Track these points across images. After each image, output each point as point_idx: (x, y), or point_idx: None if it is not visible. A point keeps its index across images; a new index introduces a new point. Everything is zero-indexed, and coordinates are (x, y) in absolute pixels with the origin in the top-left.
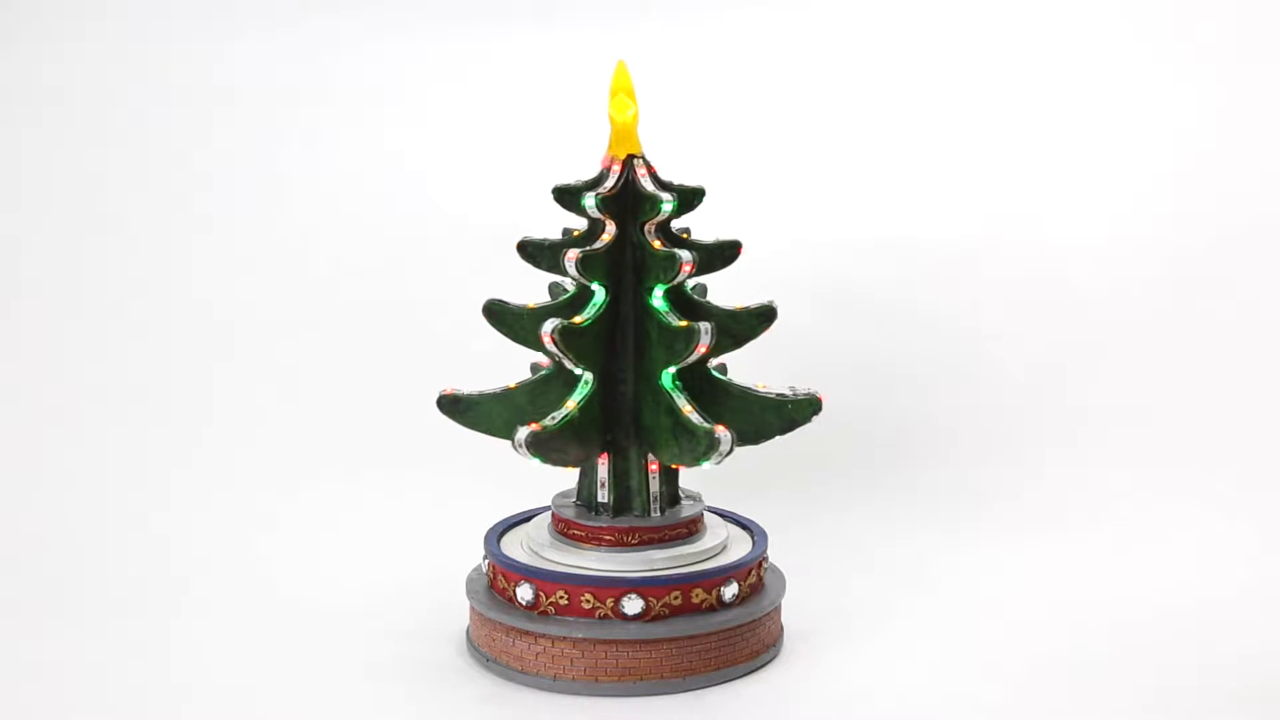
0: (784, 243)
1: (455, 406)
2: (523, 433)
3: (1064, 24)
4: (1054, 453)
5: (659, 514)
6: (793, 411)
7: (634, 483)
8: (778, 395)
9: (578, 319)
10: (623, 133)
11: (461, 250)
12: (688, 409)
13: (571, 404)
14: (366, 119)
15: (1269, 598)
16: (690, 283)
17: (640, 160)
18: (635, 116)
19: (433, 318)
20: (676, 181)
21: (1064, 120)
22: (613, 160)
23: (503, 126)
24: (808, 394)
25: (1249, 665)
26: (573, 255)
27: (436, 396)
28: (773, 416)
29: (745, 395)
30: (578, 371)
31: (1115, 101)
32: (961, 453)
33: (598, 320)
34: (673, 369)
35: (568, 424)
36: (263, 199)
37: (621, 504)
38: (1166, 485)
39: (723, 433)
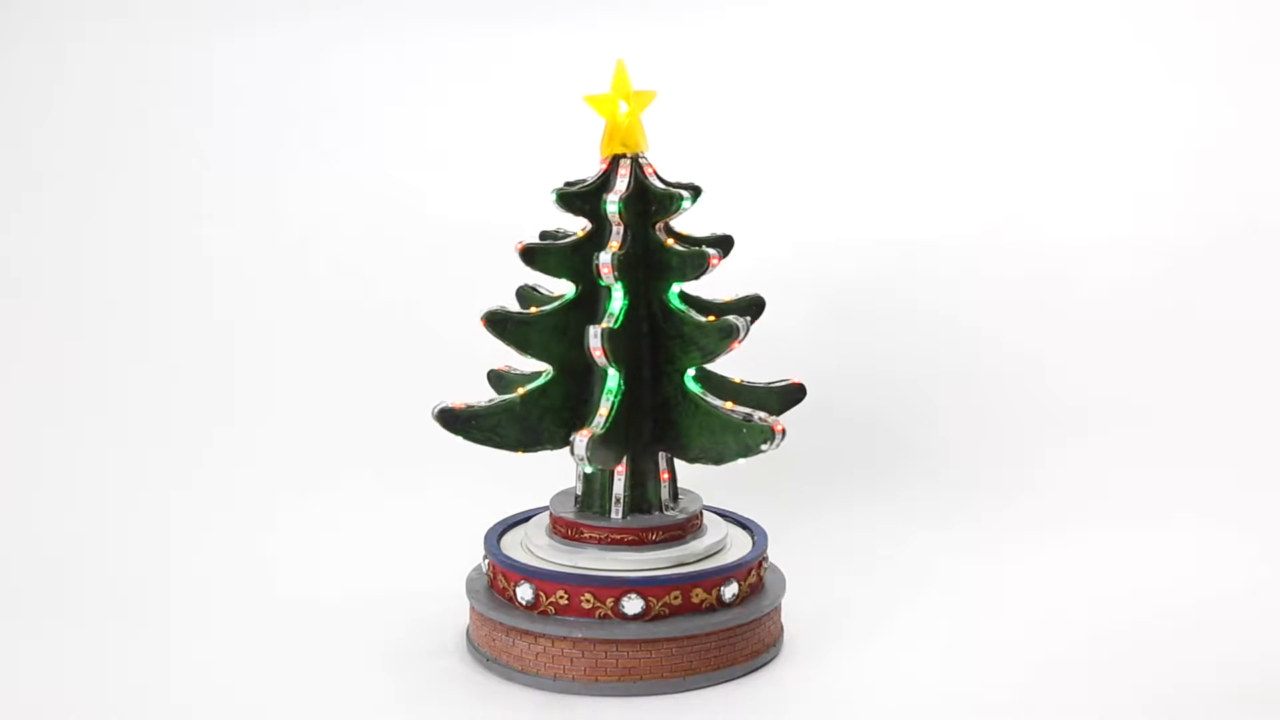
0: (784, 243)
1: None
2: (581, 441)
3: (1064, 24)
4: (1054, 453)
5: (673, 512)
6: (748, 437)
7: (644, 485)
8: (742, 418)
9: (604, 324)
10: (614, 132)
11: (462, 251)
12: (728, 405)
13: (605, 410)
14: (366, 119)
15: (1269, 598)
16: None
17: (626, 159)
18: (629, 115)
19: (432, 318)
20: (668, 182)
21: (1065, 120)
22: (610, 160)
23: (504, 126)
24: (763, 421)
25: (1249, 665)
26: (607, 264)
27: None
28: (731, 439)
29: (711, 414)
30: (611, 372)
31: (1116, 102)
32: (962, 453)
33: (626, 322)
34: (692, 370)
35: (610, 429)
36: (262, 200)
37: (638, 504)
38: (1167, 485)
39: (780, 431)
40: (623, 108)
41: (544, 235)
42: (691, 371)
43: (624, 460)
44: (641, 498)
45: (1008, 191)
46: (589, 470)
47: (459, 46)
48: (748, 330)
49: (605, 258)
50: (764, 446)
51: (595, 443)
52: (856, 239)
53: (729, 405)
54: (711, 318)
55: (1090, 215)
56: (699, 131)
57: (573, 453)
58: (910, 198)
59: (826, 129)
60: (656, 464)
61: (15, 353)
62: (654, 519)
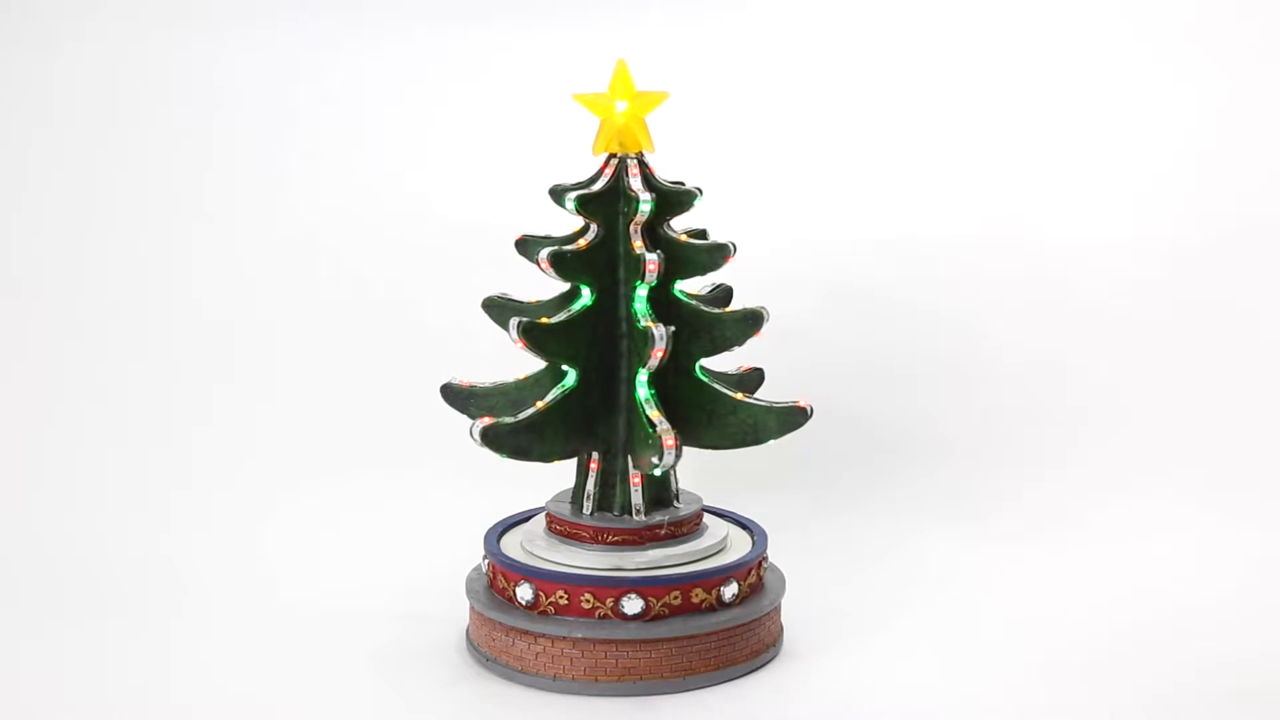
0: (784, 242)
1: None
2: (476, 426)
3: (1065, 23)
4: (1054, 453)
5: (678, 503)
6: (650, 449)
7: (615, 486)
8: (654, 431)
9: (544, 318)
10: (604, 130)
11: (462, 250)
12: (739, 395)
13: (541, 403)
14: (367, 119)
15: (1268, 598)
16: (706, 284)
17: (620, 159)
18: (625, 115)
19: (433, 317)
20: (669, 181)
21: (1065, 120)
22: (622, 160)
23: (504, 126)
24: (660, 435)
25: (1249, 665)
26: (544, 258)
27: (480, 431)
28: (646, 451)
29: (640, 423)
30: (566, 368)
31: (1116, 102)
32: (961, 453)
33: (581, 319)
34: (643, 372)
35: (533, 420)
36: (262, 199)
37: (604, 503)
38: (1167, 486)
39: (807, 405)
40: (620, 107)
41: (520, 242)
42: (643, 376)
43: (596, 458)
44: (609, 498)
45: (1008, 191)
46: (494, 455)
47: (459, 46)
48: (665, 339)
49: (544, 253)
50: (655, 460)
51: (496, 431)
52: (857, 238)
53: (655, 414)
54: (649, 324)
55: (1090, 215)
56: (700, 131)
57: (664, 460)
58: (910, 197)
59: (827, 128)
60: (628, 466)
61: (15, 353)
62: (614, 520)
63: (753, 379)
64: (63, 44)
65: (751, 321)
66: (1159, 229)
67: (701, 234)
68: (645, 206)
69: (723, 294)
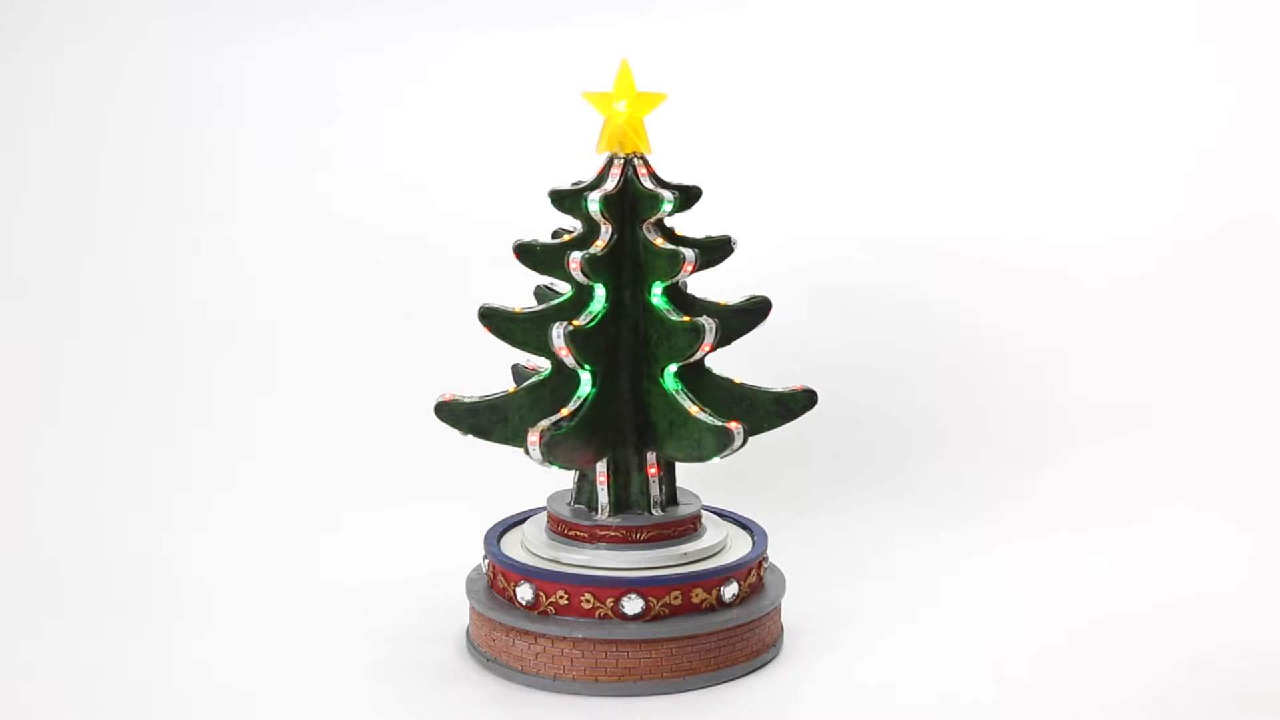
0: (784, 241)
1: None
2: (533, 437)
3: (1065, 23)
4: (1053, 452)
5: (660, 512)
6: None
7: (634, 485)
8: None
9: (577, 321)
10: (613, 131)
11: (461, 251)
12: (694, 409)
13: (513, 388)
14: (367, 119)
15: (1269, 598)
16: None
17: (632, 159)
18: (621, 115)
19: (432, 318)
20: (662, 182)
21: (1065, 119)
22: (610, 160)
23: (505, 126)
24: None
25: (1249, 665)
26: (576, 263)
27: (435, 404)
28: None
29: None
30: (582, 373)
31: (1116, 101)
32: (961, 452)
33: (554, 313)
34: (673, 367)
35: (497, 403)
36: (262, 200)
37: (620, 504)
38: (1166, 485)
39: (735, 428)
40: (618, 106)
41: (519, 248)
42: (584, 375)
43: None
44: (583, 493)
45: (1008, 191)
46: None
47: (459, 46)
48: (562, 335)
49: (690, 253)
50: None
51: (453, 408)
52: (855, 238)
53: (565, 410)
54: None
55: (1090, 215)
56: (700, 131)
57: (731, 445)
58: (910, 197)
59: (827, 129)
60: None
61: (15, 353)
62: (582, 516)
63: (797, 400)
64: (63, 44)
65: (694, 334)
66: (1160, 228)
67: (724, 241)
68: (593, 206)
69: (756, 305)
